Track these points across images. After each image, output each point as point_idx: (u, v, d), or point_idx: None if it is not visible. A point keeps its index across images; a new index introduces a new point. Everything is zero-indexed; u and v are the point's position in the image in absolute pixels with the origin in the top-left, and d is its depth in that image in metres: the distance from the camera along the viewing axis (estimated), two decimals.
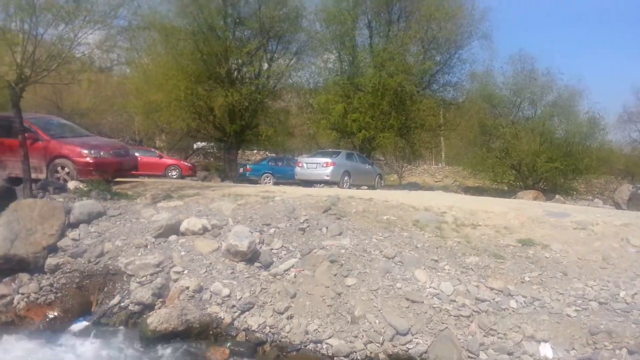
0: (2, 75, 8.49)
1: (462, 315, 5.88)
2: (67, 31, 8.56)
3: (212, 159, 35.87)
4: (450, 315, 5.90)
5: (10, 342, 5.89)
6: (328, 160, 17.49)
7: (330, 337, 5.74)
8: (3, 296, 6.77)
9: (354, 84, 22.39)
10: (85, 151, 10.25)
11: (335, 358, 5.56)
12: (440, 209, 8.81)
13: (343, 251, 7.03)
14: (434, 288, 6.31)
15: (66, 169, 10.13)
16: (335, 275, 6.59)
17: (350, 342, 5.67)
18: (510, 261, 6.92)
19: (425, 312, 5.95)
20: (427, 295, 6.19)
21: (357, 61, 22.69)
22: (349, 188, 16.44)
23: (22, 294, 6.77)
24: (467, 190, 23.92)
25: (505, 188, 23.56)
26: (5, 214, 7.56)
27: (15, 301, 6.70)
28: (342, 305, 6.14)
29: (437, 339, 5.57)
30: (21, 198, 8.40)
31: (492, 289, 6.30)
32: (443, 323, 5.81)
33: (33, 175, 9.20)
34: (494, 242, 7.48)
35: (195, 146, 35.73)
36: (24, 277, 7.01)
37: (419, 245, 7.31)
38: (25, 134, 9.04)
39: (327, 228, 7.74)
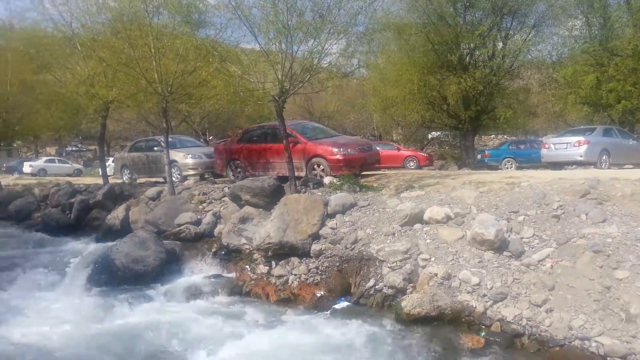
0: (268, 91, 10.07)
1: None
2: (316, 45, 9.67)
3: (447, 148, 35.67)
4: None
5: (290, 315, 6.97)
6: (581, 138, 15.57)
7: (600, 335, 5.14)
8: (281, 276, 8.06)
9: (607, 49, 19.37)
10: (336, 149, 11.39)
11: (608, 358, 4.97)
12: None
13: (609, 240, 6.20)
14: None
15: (321, 167, 11.44)
16: (601, 267, 5.86)
17: (627, 342, 4.97)
18: None
19: None
20: None
21: (611, 22, 19.55)
22: (609, 168, 14.33)
23: (295, 275, 7.94)
24: None
25: None
26: (277, 208, 8.97)
27: (289, 281, 7.91)
28: (612, 300, 5.43)
29: None
30: (288, 193, 9.82)
31: None
32: None
33: (296, 174, 10.66)
34: None
35: (430, 136, 36.06)
36: (295, 260, 8.21)
37: None
38: (288, 139, 10.52)
39: (586, 215, 6.93)
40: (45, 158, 38.19)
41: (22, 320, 6.63)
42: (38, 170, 32.56)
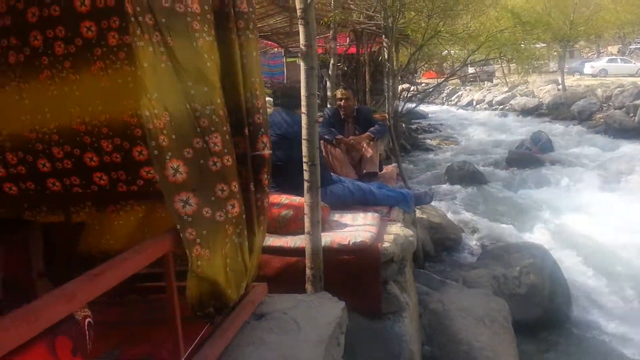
0: None
1: None
2: None
3: None
4: None
5: None
6: None
7: None
8: None
9: None
10: None
11: None
12: None
13: None
14: None
15: None
16: None
17: None
18: None
19: None
20: None
21: None
22: None
23: None
24: None
25: None
26: None
27: None
28: None
29: None
30: None
31: None
32: None
33: None
34: None
35: None
36: None
37: None
38: None
39: None
40: (606, 58, 36.92)
41: (586, 217, 6.88)
42: (599, 70, 31.99)
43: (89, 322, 1.15)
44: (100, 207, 2.35)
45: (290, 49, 13.75)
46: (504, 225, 6.59)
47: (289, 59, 15.21)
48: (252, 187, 1.83)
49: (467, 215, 7.07)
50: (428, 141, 14.24)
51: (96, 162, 2.17)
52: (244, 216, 1.75)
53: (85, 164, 2.18)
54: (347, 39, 12.86)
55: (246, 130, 1.79)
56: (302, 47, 2.53)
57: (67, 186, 2.27)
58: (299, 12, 2.47)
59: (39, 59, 2.04)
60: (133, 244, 2.33)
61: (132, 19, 1.38)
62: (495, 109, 22.89)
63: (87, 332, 1.14)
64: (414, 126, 17.00)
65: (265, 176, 1.90)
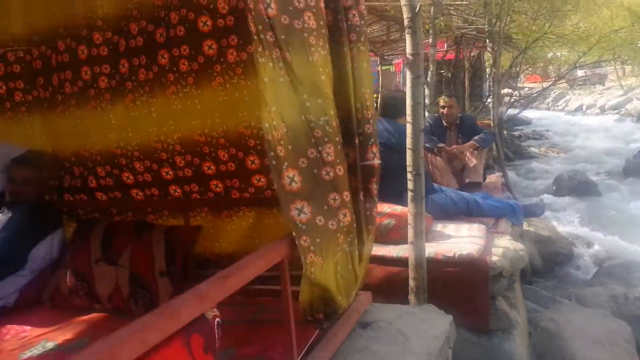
0: None
1: None
2: None
3: None
4: None
5: None
6: None
7: None
8: None
9: None
10: None
11: None
12: None
13: None
14: None
15: None
16: None
17: None
18: None
19: None
20: None
21: None
22: None
23: None
24: None
25: None
26: None
27: None
28: None
29: None
30: None
31: None
32: None
33: None
34: None
35: None
36: None
37: None
38: None
39: None
40: None
41: None
42: None
43: (218, 321, 1.23)
44: (216, 212, 2.51)
45: (386, 57, 13.68)
46: (621, 241, 6.01)
47: (383, 67, 15.12)
48: (361, 196, 1.84)
49: (579, 229, 6.55)
50: (532, 149, 13.41)
51: (213, 171, 2.33)
52: (354, 225, 1.77)
53: (204, 172, 2.34)
54: (445, 44, 12.55)
55: (356, 140, 1.81)
56: (408, 55, 2.51)
57: (187, 192, 2.45)
58: (406, 22, 2.46)
59: (165, 76, 2.23)
60: (242, 248, 2.47)
61: (255, 37, 1.45)
62: (608, 114, 21.01)
63: (215, 331, 1.21)
64: (516, 133, 16.12)
65: (375, 186, 1.90)
